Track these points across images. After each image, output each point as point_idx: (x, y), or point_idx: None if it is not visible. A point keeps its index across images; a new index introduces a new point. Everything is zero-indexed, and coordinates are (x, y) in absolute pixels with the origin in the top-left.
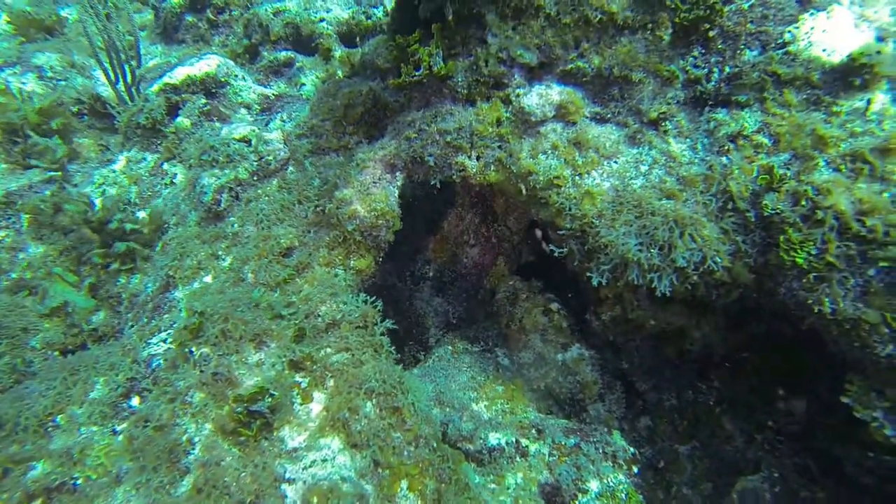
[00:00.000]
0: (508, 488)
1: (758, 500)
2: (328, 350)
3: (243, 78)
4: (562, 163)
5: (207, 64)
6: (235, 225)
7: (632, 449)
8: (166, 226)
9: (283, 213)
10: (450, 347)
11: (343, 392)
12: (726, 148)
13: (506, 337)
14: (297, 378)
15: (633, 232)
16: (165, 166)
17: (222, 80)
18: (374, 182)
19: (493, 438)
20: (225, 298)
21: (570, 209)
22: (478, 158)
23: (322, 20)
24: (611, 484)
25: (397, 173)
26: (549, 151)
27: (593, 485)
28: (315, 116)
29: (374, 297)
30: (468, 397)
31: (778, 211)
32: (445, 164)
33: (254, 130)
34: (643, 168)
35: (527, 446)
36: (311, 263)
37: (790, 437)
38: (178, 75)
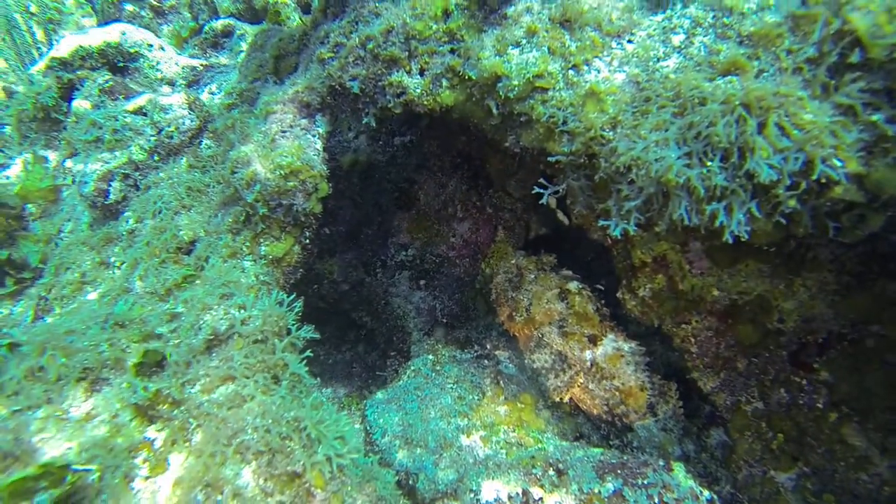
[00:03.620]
0: None
1: None
2: (203, 383)
3: (161, 48)
4: (545, 53)
5: (107, 32)
6: (131, 221)
7: (706, 494)
8: (60, 234)
9: (191, 199)
10: (431, 357)
11: (206, 453)
12: None
13: (509, 335)
14: (150, 433)
15: (673, 138)
16: (69, 164)
17: (132, 51)
18: (282, 131)
19: (490, 491)
20: (71, 321)
21: (564, 122)
22: (421, 72)
23: None
24: None
25: (317, 116)
26: (525, 40)
27: None
28: (244, 79)
29: (292, 296)
30: (454, 427)
31: None
32: (377, 89)
33: (151, 98)
34: (677, 38)
35: (541, 500)
36: (210, 257)
37: None
38: (66, 47)
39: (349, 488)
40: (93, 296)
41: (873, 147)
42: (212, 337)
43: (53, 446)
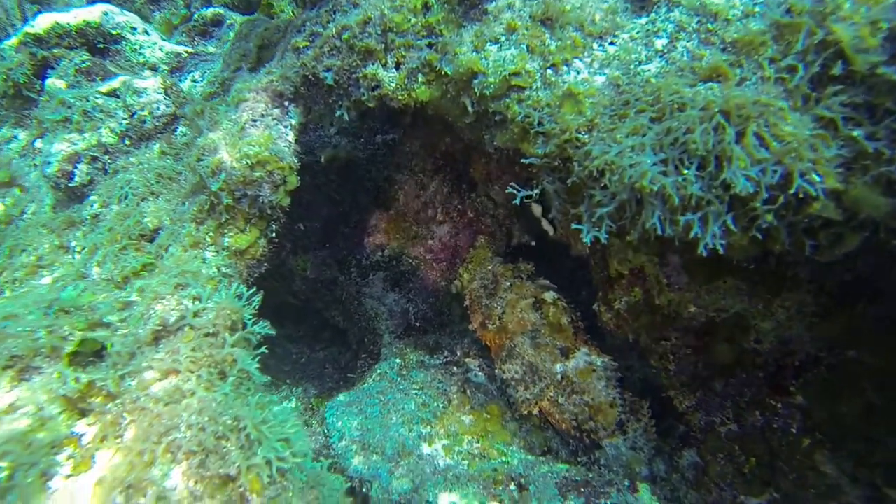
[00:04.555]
0: None
1: None
2: (145, 376)
3: (145, 32)
4: (524, 51)
5: (89, 12)
6: (96, 205)
7: None
8: (22, 216)
9: (161, 186)
10: (398, 361)
11: (134, 451)
12: None
13: (482, 343)
14: (79, 428)
15: (649, 143)
16: (38, 144)
17: (114, 33)
18: (253, 120)
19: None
20: (13, 305)
21: (540, 123)
22: (397, 66)
23: None
24: None
25: (290, 106)
26: (504, 37)
27: None
28: (227, 68)
29: (252, 290)
30: (416, 435)
31: None
32: (351, 82)
33: (125, 80)
34: (660, 43)
35: None
36: (171, 246)
37: None
38: (43, 23)
39: (290, 494)
40: (46, 280)
41: (852, 163)
42: (160, 327)
43: None
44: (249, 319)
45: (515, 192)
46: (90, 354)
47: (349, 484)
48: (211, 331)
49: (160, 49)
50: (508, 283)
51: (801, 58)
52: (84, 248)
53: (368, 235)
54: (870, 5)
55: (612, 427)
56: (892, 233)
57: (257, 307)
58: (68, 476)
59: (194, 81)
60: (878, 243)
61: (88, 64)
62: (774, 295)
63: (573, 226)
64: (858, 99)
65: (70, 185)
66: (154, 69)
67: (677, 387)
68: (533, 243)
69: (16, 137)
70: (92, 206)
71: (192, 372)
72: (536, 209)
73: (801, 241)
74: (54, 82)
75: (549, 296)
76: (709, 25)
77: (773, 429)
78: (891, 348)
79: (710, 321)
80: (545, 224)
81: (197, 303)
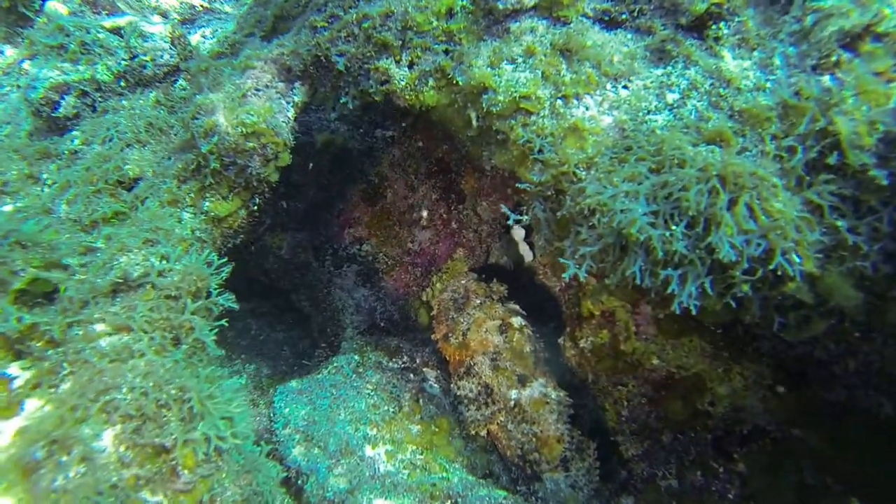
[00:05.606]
0: None
1: None
2: (95, 328)
3: None
4: (538, 77)
5: None
6: (77, 140)
7: None
8: None
9: (149, 136)
10: (356, 357)
11: (67, 405)
12: (835, 59)
13: (441, 354)
14: (12, 370)
15: (644, 192)
16: (26, 65)
17: None
18: (256, 89)
19: None
20: None
21: (540, 150)
22: (410, 65)
23: None
24: None
25: (296, 84)
26: (521, 59)
27: None
28: (240, 30)
29: (224, 260)
30: (361, 435)
31: None
32: (361, 71)
33: (132, 21)
34: (671, 96)
35: None
36: (149, 199)
37: None
38: None
39: (223, 475)
40: (7, 208)
41: (831, 252)
42: (120, 280)
43: None
44: (215, 289)
45: (507, 214)
46: (39, 295)
47: (286, 474)
48: (173, 294)
49: None
50: (479, 301)
51: (802, 140)
52: (55, 183)
53: (349, 227)
54: (871, 105)
55: (556, 462)
56: (855, 325)
57: (225, 277)
58: None
59: (204, 37)
60: (842, 332)
61: None
62: (735, 362)
63: (559, 259)
64: (847, 191)
65: (53, 114)
66: (164, 16)
67: (626, 433)
68: (511, 267)
69: (1, 52)
70: (72, 141)
71: (146, 332)
72: (518, 233)
73: (772, 316)
74: (55, 6)
75: (516, 321)
76: (720, 90)
77: (712, 491)
78: (833, 434)
79: (669, 376)
80: (523, 248)
81: (164, 262)
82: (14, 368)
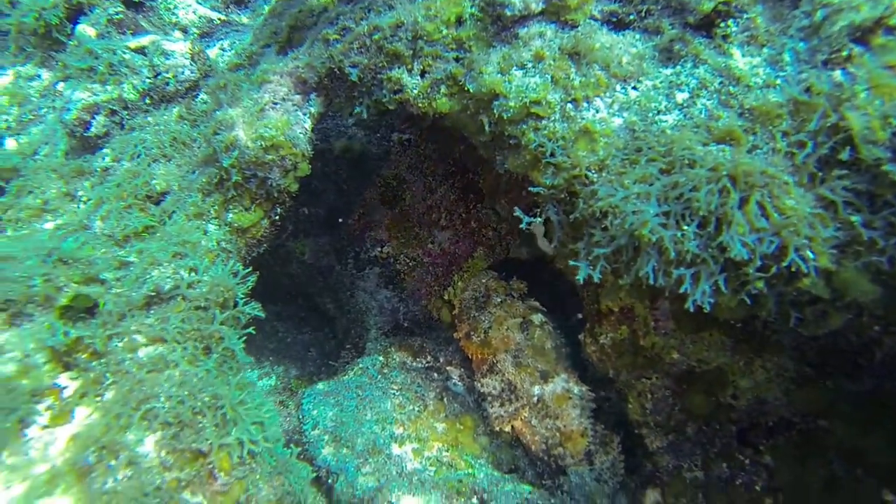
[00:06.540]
0: None
1: None
2: (131, 340)
3: None
4: (547, 81)
5: None
6: (108, 158)
7: None
8: (35, 157)
9: (174, 150)
10: (381, 358)
11: (112, 413)
12: (846, 54)
13: (464, 353)
14: (62, 380)
15: (655, 193)
16: (60, 87)
17: None
18: (273, 103)
19: None
20: (14, 247)
21: (552, 154)
22: (422, 74)
23: None
24: None
25: (312, 95)
26: (530, 64)
27: None
28: (256, 42)
29: (248, 269)
30: (388, 434)
31: None
32: (375, 81)
33: (154, 40)
34: (681, 96)
35: None
36: (176, 212)
37: None
38: None
39: (256, 476)
40: (49, 225)
41: (846, 247)
42: (153, 293)
43: None
44: (241, 299)
45: (523, 215)
46: (82, 310)
47: (316, 473)
48: (202, 304)
49: (194, 12)
50: (499, 299)
51: (813, 137)
52: (90, 200)
53: (370, 230)
54: (884, 99)
55: (581, 456)
56: (874, 318)
57: (251, 283)
58: (45, 427)
59: (222, 50)
60: (861, 325)
61: (121, 16)
62: (756, 355)
63: (570, 262)
64: (861, 186)
65: (85, 134)
66: (185, 31)
67: (651, 426)
68: (530, 258)
69: (38, 76)
70: (104, 158)
71: (179, 343)
72: (538, 228)
73: (788, 312)
74: (85, 29)
75: (537, 318)
76: (730, 88)
77: (738, 483)
78: (861, 424)
79: (690, 370)
80: (543, 243)
81: (193, 274)
82: (63, 379)
